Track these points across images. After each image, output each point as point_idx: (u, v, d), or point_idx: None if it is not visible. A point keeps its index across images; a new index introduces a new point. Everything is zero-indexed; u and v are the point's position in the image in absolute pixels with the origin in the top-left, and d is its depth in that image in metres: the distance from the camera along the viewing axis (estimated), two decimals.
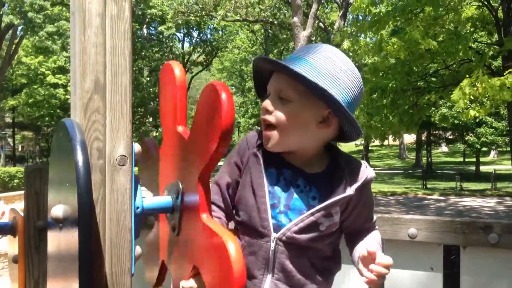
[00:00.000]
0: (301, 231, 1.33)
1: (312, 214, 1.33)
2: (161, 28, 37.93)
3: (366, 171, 1.40)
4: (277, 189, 1.37)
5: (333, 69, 1.31)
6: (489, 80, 6.06)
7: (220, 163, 1.14)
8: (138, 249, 1.11)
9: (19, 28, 32.08)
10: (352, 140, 1.43)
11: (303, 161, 1.40)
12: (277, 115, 1.32)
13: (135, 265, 1.03)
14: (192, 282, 1.09)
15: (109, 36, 0.98)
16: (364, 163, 1.44)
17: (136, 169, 1.09)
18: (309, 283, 1.37)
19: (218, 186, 1.42)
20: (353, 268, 2.10)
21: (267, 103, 1.34)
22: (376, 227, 1.51)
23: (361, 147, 43.54)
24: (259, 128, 1.45)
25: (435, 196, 23.22)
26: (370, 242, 1.42)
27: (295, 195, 1.36)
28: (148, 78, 37.07)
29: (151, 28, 40.38)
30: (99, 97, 0.97)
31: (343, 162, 1.40)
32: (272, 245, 1.33)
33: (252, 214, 1.35)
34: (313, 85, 1.27)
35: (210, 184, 0.99)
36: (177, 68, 1.08)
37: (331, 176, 1.38)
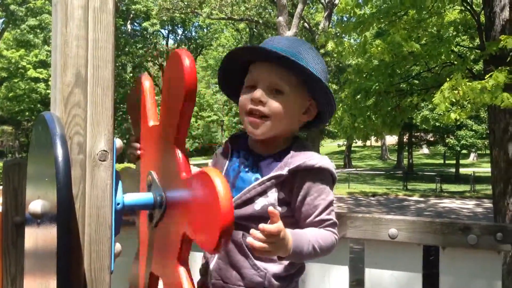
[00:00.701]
0: (238, 206, 1.36)
1: (249, 190, 1.37)
2: (145, 24, 37.68)
3: (309, 159, 1.37)
4: (231, 169, 1.45)
5: (316, 61, 1.41)
6: (470, 83, 6.13)
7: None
8: (118, 246, 1.09)
9: (0, 21, 31.54)
10: (322, 124, 1.53)
11: (268, 146, 1.44)
12: (271, 106, 1.37)
13: (114, 262, 1.02)
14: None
15: (92, 29, 0.96)
16: (317, 155, 1.40)
17: (117, 165, 1.07)
18: (247, 266, 1.36)
19: None
20: (334, 268, 2.11)
21: (260, 94, 1.36)
22: (331, 229, 1.38)
23: (343, 148, 43.84)
24: (243, 128, 1.48)
25: (416, 197, 23.49)
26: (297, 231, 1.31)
27: (241, 174, 1.42)
28: (132, 74, 36.76)
29: (135, 24, 40.10)
30: (80, 91, 0.95)
31: (295, 147, 1.43)
32: None
33: None
34: (313, 77, 1.36)
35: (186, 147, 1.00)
36: (146, 80, 1.19)
37: (279, 159, 1.41)
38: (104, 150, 0.97)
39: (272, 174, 1.37)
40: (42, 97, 34.77)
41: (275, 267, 1.39)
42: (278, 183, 1.37)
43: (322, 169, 1.38)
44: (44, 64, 35.25)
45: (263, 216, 1.32)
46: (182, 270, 0.94)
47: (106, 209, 0.97)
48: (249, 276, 1.37)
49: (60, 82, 0.96)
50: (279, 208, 1.37)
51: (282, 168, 1.37)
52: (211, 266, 1.41)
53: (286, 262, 1.39)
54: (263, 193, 1.36)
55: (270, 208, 1.19)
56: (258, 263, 1.38)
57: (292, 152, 1.40)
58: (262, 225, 1.17)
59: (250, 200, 1.37)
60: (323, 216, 1.38)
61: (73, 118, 0.95)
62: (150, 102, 1.20)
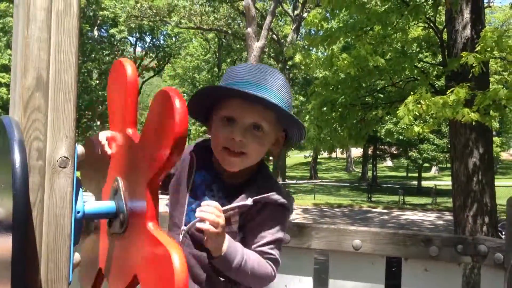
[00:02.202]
0: (201, 230, 1.34)
1: None
2: (112, 30, 37.19)
3: (275, 193, 1.40)
4: (198, 189, 1.46)
5: (289, 96, 1.44)
6: (432, 98, 6.30)
7: None
8: (77, 256, 1.06)
9: None
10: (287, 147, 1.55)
11: (231, 172, 1.44)
12: (250, 144, 1.37)
13: (72, 273, 0.98)
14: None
15: (54, 31, 0.94)
16: (281, 190, 1.44)
17: (78, 173, 1.04)
18: (209, 282, 1.40)
19: None
20: (298, 278, 2.11)
21: (239, 135, 1.35)
22: (270, 263, 1.40)
23: (309, 159, 44.22)
24: (209, 137, 1.47)
25: (379, 209, 23.87)
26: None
27: (206, 198, 1.42)
28: (98, 81, 36.17)
29: (103, 30, 39.55)
30: (40, 95, 0.92)
31: (259, 178, 1.45)
32: (180, 237, 1.41)
33: (174, 206, 1.48)
34: (290, 117, 1.39)
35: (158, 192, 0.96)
36: (128, 66, 1.04)
37: (244, 188, 1.42)
38: (64, 157, 0.93)
39: (238, 203, 1.38)
40: (4, 102, 33.76)
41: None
42: (243, 212, 1.39)
43: (283, 206, 1.42)
44: (6, 69, 34.26)
45: None
46: None
47: (66, 218, 0.94)
48: None
49: (20, 85, 0.92)
50: (238, 237, 1.40)
51: (247, 199, 1.38)
52: None
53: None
54: (227, 220, 1.36)
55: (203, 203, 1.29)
56: (221, 279, 1.39)
57: (258, 182, 1.43)
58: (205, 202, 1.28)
59: None
60: (266, 248, 1.40)
61: (33, 123, 0.92)
62: (130, 100, 1.05)
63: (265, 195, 1.39)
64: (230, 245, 1.31)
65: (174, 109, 0.85)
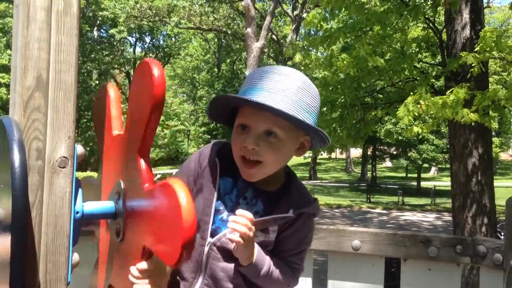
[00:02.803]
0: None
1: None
2: (112, 31, 37.20)
3: (312, 204, 1.42)
4: (228, 197, 1.39)
5: (309, 99, 1.35)
6: (432, 98, 6.30)
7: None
8: (75, 257, 1.05)
9: None
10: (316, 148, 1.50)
11: (264, 179, 1.40)
12: (263, 153, 1.32)
13: (71, 273, 0.98)
14: (144, 264, 1.01)
15: (54, 31, 0.93)
16: (315, 201, 1.45)
17: (78, 174, 1.04)
18: None
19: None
20: None
21: (252, 142, 1.31)
22: (296, 272, 1.44)
23: (309, 160, 44.23)
24: (209, 138, 1.45)
25: (379, 210, 23.86)
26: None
27: (240, 206, 1.37)
28: (97, 82, 36.16)
29: (102, 30, 39.56)
30: (41, 95, 0.92)
31: (294, 188, 1.43)
32: (206, 249, 1.35)
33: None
34: (301, 122, 1.31)
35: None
36: (111, 90, 1.17)
37: (280, 197, 1.40)
38: (64, 157, 0.93)
39: (280, 215, 1.36)
40: (3, 102, 33.75)
41: None
42: (282, 223, 1.38)
43: (314, 215, 1.44)
44: (6, 69, 34.24)
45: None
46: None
47: (65, 218, 0.93)
48: None
49: (20, 85, 0.92)
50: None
51: (286, 209, 1.36)
52: None
53: None
54: (265, 230, 1.37)
55: (238, 211, 1.25)
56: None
57: (293, 192, 1.41)
58: (241, 211, 1.24)
59: None
60: (294, 259, 1.42)
61: (33, 123, 0.92)
62: (115, 112, 1.17)
63: (306, 208, 1.39)
64: (258, 254, 1.31)
65: (152, 73, 0.88)
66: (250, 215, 1.24)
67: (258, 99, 1.28)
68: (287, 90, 1.31)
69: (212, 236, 1.35)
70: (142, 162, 0.95)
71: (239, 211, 1.24)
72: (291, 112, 1.28)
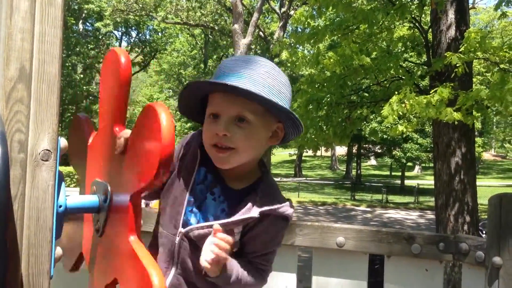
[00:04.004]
0: (201, 236, 1.33)
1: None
2: (98, 24, 36.81)
3: (281, 205, 1.37)
4: (198, 188, 1.39)
5: (277, 84, 1.33)
6: (416, 98, 6.35)
7: None
8: (58, 250, 1.04)
9: None
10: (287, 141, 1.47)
11: (235, 173, 1.40)
12: (234, 139, 1.31)
13: (54, 267, 0.97)
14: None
15: (38, 22, 0.92)
16: (286, 202, 1.41)
17: (61, 167, 1.03)
18: (205, 285, 1.37)
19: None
20: (282, 275, 2.11)
21: (222, 129, 1.30)
22: (263, 273, 1.42)
23: (294, 157, 44.34)
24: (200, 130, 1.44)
25: (363, 207, 24.05)
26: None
27: (207, 200, 1.38)
28: (82, 75, 35.77)
29: (88, 24, 39.12)
30: (23, 87, 0.91)
31: (263, 187, 1.39)
32: (177, 239, 1.35)
33: (171, 205, 1.38)
34: (273, 105, 1.29)
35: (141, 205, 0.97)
36: (123, 57, 1.01)
37: (247, 196, 1.37)
38: (47, 150, 0.92)
39: (244, 216, 1.33)
40: None
41: None
42: (246, 224, 1.36)
43: (287, 218, 1.39)
44: None
45: None
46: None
47: (47, 211, 0.92)
48: None
49: (2, 76, 0.91)
50: (239, 245, 1.38)
51: (250, 209, 1.34)
52: (168, 281, 1.36)
53: None
54: (229, 231, 1.34)
55: (216, 226, 1.25)
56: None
57: (260, 191, 1.37)
58: (223, 236, 1.23)
59: None
60: (261, 259, 1.41)
61: (15, 115, 0.90)
62: (122, 98, 1.05)
63: (272, 207, 1.35)
64: (228, 262, 1.29)
65: (161, 128, 0.85)
66: (229, 238, 1.25)
67: (221, 81, 1.27)
68: (257, 74, 1.30)
69: (183, 227, 1.35)
70: (131, 210, 0.93)
71: (219, 235, 1.24)
72: (262, 93, 1.27)
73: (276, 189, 1.44)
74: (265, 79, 1.30)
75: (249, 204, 1.34)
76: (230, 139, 1.30)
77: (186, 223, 1.36)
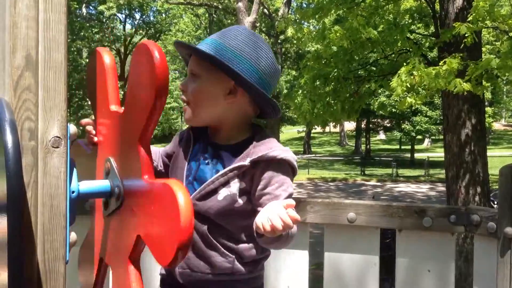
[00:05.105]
0: (201, 198, 1.38)
1: (212, 182, 1.39)
2: (101, 7, 36.60)
3: (272, 150, 1.37)
4: (193, 160, 1.46)
5: (237, 44, 1.40)
6: (425, 69, 6.28)
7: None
8: (73, 235, 1.06)
9: None
10: (272, 117, 1.49)
11: (223, 136, 1.46)
12: (188, 92, 1.42)
13: (69, 252, 0.98)
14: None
15: (42, 9, 0.92)
16: (279, 147, 1.40)
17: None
18: (214, 255, 1.39)
19: (157, 151, 1.60)
20: (294, 252, 2.13)
21: (182, 83, 1.46)
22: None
23: (303, 134, 44.29)
24: None
25: (373, 182, 24.08)
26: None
27: (201, 167, 1.44)
28: (88, 60, 35.70)
29: (91, 7, 38.92)
30: (30, 74, 0.91)
31: (257, 139, 1.42)
32: None
33: None
34: (212, 58, 1.37)
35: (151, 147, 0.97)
36: (106, 54, 1.10)
37: (240, 149, 1.41)
38: (57, 137, 0.93)
39: (234, 165, 1.37)
40: None
41: (243, 253, 1.41)
42: (240, 174, 1.37)
43: (284, 161, 1.38)
44: None
45: (225, 207, 1.37)
46: (132, 269, 0.91)
47: (60, 198, 0.93)
48: (218, 264, 1.39)
49: (9, 65, 0.91)
50: (240, 200, 1.38)
51: (244, 159, 1.37)
52: None
53: (252, 249, 1.41)
54: (225, 183, 1.37)
55: (289, 201, 1.21)
56: (225, 251, 1.39)
57: (254, 142, 1.40)
58: (293, 214, 1.18)
59: (213, 192, 1.38)
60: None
61: (24, 103, 0.91)
62: (111, 84, 1.09)
63: (263, 153, 1.36)
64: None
65: (154, 58, 0.85)
66: (298, 217, 1.19)
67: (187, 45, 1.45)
68: (222, 38, 1.42)
69: None
70: (142, 151, 0.92)
71: (291, 212, 1.18)
72: (207, 51, 1.38)
73: (272, 140, 1.44)
74: (226, 41, 1.41)
75: (243, 155, 1.39)
76: (186, 94, 1.43)
77: None
